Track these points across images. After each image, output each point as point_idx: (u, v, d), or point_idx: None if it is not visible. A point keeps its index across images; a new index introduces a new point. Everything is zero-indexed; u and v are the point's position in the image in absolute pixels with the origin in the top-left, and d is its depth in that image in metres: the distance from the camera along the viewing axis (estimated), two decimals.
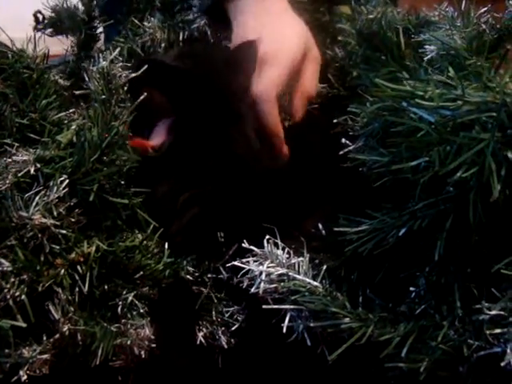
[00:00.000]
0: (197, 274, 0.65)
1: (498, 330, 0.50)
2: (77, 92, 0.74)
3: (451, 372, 0.52)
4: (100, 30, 0.91)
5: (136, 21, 0.85)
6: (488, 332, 0.50)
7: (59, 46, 0.93)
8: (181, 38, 0.87)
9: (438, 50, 0.66)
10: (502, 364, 0.48)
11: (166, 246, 0.64)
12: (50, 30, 0.92)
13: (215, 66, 0.73)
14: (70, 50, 0.89)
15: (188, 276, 0.64)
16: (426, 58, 0.66)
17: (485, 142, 0.48)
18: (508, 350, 0.49)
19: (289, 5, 0.83)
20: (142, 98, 0.62)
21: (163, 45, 0.87)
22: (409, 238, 0.56)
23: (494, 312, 0.51)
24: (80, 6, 0.89)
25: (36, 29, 0.91)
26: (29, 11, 0.94)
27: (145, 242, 0.62)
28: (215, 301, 0.65)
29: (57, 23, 0.91)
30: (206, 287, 0.65)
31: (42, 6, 0.92)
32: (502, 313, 0.50)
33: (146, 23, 0.87)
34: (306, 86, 0.82)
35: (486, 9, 0.70)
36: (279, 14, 0.82)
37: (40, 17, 0.91)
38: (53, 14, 0.91)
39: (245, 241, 0.60)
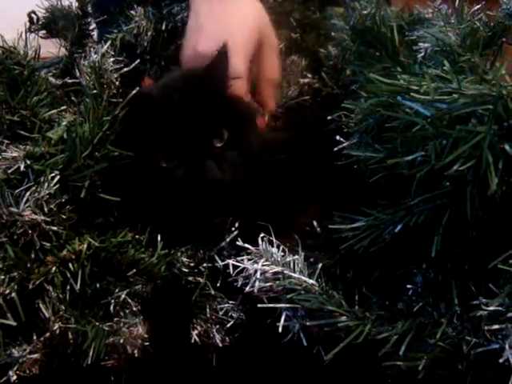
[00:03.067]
0: (192, 265, 0.64)
1: (496, 326, 0.49)
2: (69, 81, 0.73)
3: (450, 370, 0.51)
4: (92, 26, 0.90)
5: (127, 12, 0.85)
6: (486, 328, 0.50)
7: (51, 47, 0.92)
8: (164, 27, 0.89)
9: (432, 47, 0.66)
10: (501, 360, 0.48)
11: (159, 238, 0.63)
12: (43, 31, 0.92)
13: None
14: (62, 46, 0.89)
15: (183, 267, 0.63)
16: (419, 55, 0.66)
17: (481, 134, 0.47)
18: (506, 347, 0.48)
19: None
20: (133, 92, 0.62)
21: (149, 33, 0.88)
22: (405, 234, 0.56)
23: (491, 308, 0.50)
24: (74, 3, 0.89)
25: (30, 30, 0.90)
26: (20, 11, 0.93)
27: (137, 236, 0.62)
28: (212, 292, 0.64)
29: (51, 24, 0.91)
30: (203, 277, 0.64)
31: (34, 6, 0.91)
32: (499, 309, 0.50)
33: (132, 12, 0.88)
34: (269, 73, 0.84)
35: (479, 6, 0.70)
36: (233, 1, 0.82)
37: (34, 17, 0.90)
38: (47, 14, 0.90)
39: (239, 239, 0.60)
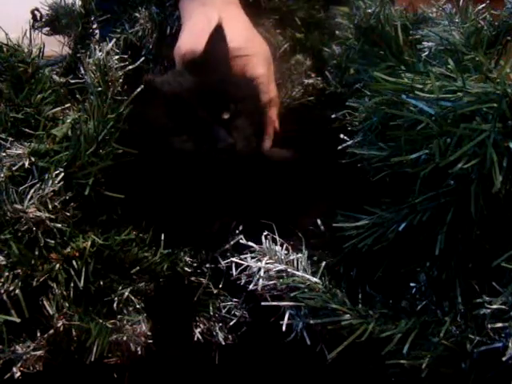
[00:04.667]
0: (195, 265, 0.64)
1: (499, 325, 0.49)
2: (72, 81, 0.73)
3: (453, 368, 0.51)
4: (96, 25, 0.90)
5: (130, 11, 0.85)
6: (490, 326, 0.50)
7: (55, 46, 0.92)
8: (168, 31, 0.87)
9: (437, 46, 0.66)
10: (504, 359, 0.48)
11: (163, 237, 0.63)
12: (46, 28, 0.92)
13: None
14: (66, 45, 0.89)
15: (186, 267, 0.63)
16: (424, 55, 0.66)
17: (486, 133, 0.47)
18: (509, 345, 0.48)
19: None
20: (138, 90, 0.62)
21: (154, 35, 0.87)
22: (409, 232, 0.56)
23: (495, 306, 0.50)
24: (77, 1, 0.89)
25: (33, 27, 0.90)
26: (23, 10, 0.94)
27: (141, 234, 0.62)
28: (214, 291, 0.64)
29: (54, 21, 0.91)
30: (205, 277, 0.64)
31: (37, 3, 0.91)
32: (503, 307, 0.50)
33: (137, 14, 0.87)
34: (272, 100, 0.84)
35: (483, 5, 0.70)
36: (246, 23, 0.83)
37: (38, 14, 0.90)
38: (50, 12, 0.90)
39: (242, 237, 0.60)
